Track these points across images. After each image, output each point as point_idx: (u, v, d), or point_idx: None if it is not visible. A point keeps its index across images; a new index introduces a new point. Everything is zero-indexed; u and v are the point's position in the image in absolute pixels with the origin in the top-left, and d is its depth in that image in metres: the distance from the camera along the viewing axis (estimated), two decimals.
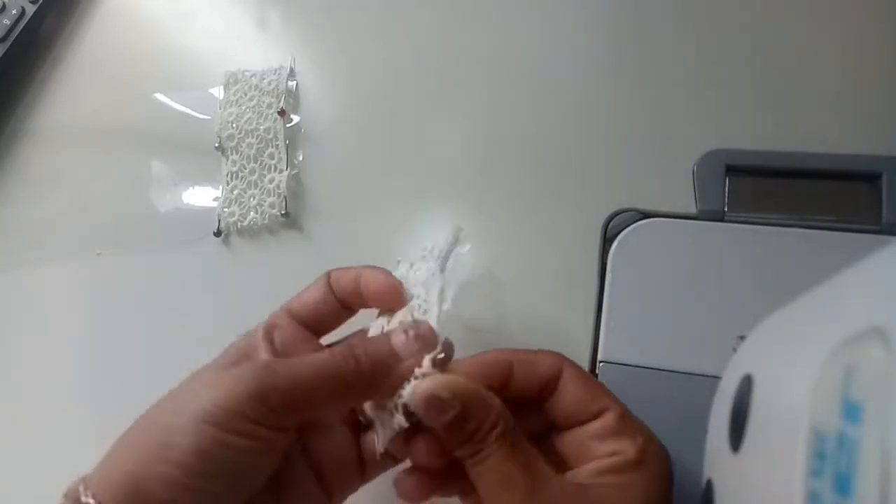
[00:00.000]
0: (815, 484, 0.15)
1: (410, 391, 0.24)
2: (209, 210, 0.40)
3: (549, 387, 0.26)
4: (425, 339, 0.25)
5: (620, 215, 0.35)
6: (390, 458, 0.27)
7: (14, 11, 0.46)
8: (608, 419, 0.25)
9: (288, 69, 0.43)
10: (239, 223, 0.40)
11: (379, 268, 0.28)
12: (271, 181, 0.40)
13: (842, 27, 0.38)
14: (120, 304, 0.39)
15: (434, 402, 0.23)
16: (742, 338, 0.25)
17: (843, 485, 0.14)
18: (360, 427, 0.28)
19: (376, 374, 0.24)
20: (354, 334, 0.30)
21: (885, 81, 0.36)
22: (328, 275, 0.29)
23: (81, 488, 0.22)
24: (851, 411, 0.14)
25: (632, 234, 0.34)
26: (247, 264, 0.39)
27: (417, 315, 0.27)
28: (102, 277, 0.40)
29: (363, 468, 0.27)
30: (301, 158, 0.41)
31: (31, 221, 0.43)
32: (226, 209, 0.40)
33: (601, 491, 0.24)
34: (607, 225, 0.35)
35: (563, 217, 0.36)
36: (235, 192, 0.40)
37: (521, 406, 0.26)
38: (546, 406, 0.27)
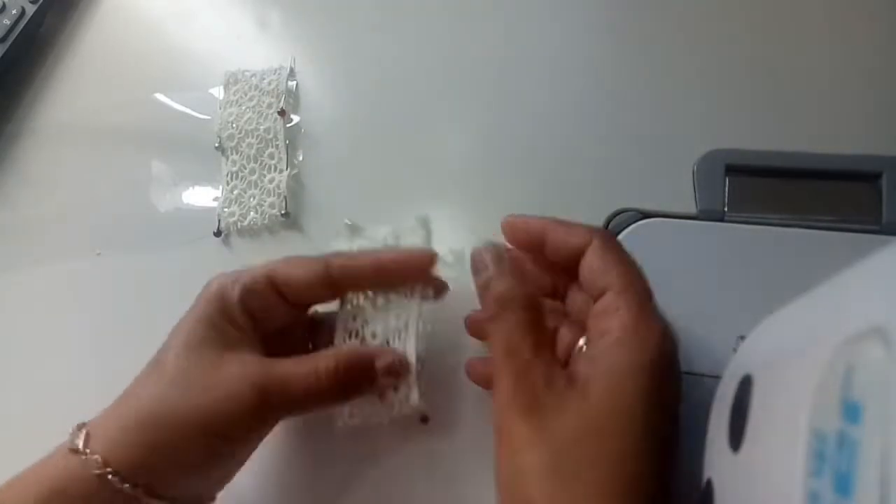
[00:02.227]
0: (815, 484, 0.15)
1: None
2: (209, 210, 0.40)
3: (577, 257, 0.27)
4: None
5: (620, 215, 0.35)
6: None
7: (14, 11, 0.46)
8: (607, 299, 0.25)
9: (288, 69, 0.43)
10: (239, 223, 0.40)
11: (395, 249, 0.30)
12: (271, 181, 0.40)
13: (841, 27, 0.37)
14: (120, 304, 0.39)
15: (477, 259, 0.27)
16: (742, 338, 0.25)
17: (843, 485, 0.14)
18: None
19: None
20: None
21: (885, 81, 0.36)
22: (327, 265, 0.29)
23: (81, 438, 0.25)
24: (851, 411, 0.14)
25: (632, 234, 0.34)
26: (247, 264, 0.39)
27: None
28: (102, 277, 0.40)
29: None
30: (301, 158, 0.41)
31: (31, 221, 0.43)
32: (226, 209, 0.40)
33: (587, 375, 0.23)
34: (607, 225, 0.35)
35: (564, 217, 0.36)
36: (235, 192, 0.40)
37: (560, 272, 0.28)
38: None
